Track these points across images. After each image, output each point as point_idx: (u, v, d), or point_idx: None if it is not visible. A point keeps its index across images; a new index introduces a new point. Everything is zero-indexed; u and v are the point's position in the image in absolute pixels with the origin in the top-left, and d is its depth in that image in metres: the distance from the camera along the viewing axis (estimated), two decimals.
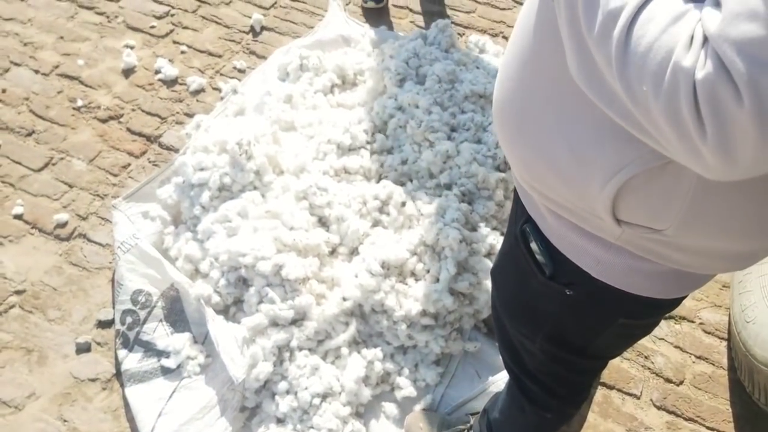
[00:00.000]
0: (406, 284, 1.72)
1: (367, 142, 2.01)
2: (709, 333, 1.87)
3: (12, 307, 1.82)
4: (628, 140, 0.67)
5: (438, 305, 1.66)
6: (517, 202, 0.99)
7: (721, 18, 0.50)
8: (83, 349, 1.76)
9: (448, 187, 1.89)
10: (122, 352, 1.72)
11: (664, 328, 1.87)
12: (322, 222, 1.83)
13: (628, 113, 0.60)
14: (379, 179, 1.95)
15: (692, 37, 0.52)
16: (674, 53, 0.52)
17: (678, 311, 1.87)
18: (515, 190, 1.00)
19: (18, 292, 1.84)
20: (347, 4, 2.74)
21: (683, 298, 0.96)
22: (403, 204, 1.83)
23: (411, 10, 2.75)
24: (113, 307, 1.81)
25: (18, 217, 2.00)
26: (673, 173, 0.69)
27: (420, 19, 2.72)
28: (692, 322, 1.89)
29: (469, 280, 1.72)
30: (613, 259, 0.83)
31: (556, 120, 0.77)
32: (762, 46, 0.47)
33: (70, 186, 2.09)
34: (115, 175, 2.12)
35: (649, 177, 0.70)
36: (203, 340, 1.75)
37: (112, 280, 1.86)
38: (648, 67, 0.54)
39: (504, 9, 2.76)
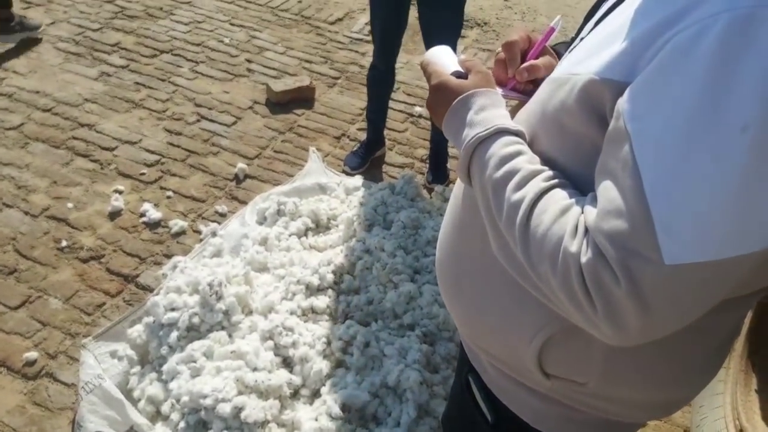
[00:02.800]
0: (367, 428, 1.71)
1: (335, 283, 2.10)
2: None
3: None
4: (546, 303, 0.75)
5: None
6: (462, 352, 1.06)
7: (596, 213, 0.62)
8: None
9: (411, 327, 1.95)
10: None
11: None
12: (287, 362, 1.86)
13: (537, 286, 0.70)
14: (345, 319, 2.00)
15: (576, 227, 0.64)
16: (563, 240, 0.63)
17: None
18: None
19: None
20: (325, 156, 2.96)
21: None
22: (367, 344, 1.87)
23: (386, 162, 2.98)
24: None
25: None
26: (587, 333, 0.77)
27: (392, 170, 2.93)
28: None
29: (429, 424, 1.72)
30: (548, 408, 0.88)
31: (486, 283, 0.86)
32: (628, 237, 0.58)
33: (44, 324, 2.12)
34: (89, 314, 2.17)
35: (567, 336, 0.78)
36: None
37: (73, 422, 1.84)
38: (545, 251, 0.65)
39: None
